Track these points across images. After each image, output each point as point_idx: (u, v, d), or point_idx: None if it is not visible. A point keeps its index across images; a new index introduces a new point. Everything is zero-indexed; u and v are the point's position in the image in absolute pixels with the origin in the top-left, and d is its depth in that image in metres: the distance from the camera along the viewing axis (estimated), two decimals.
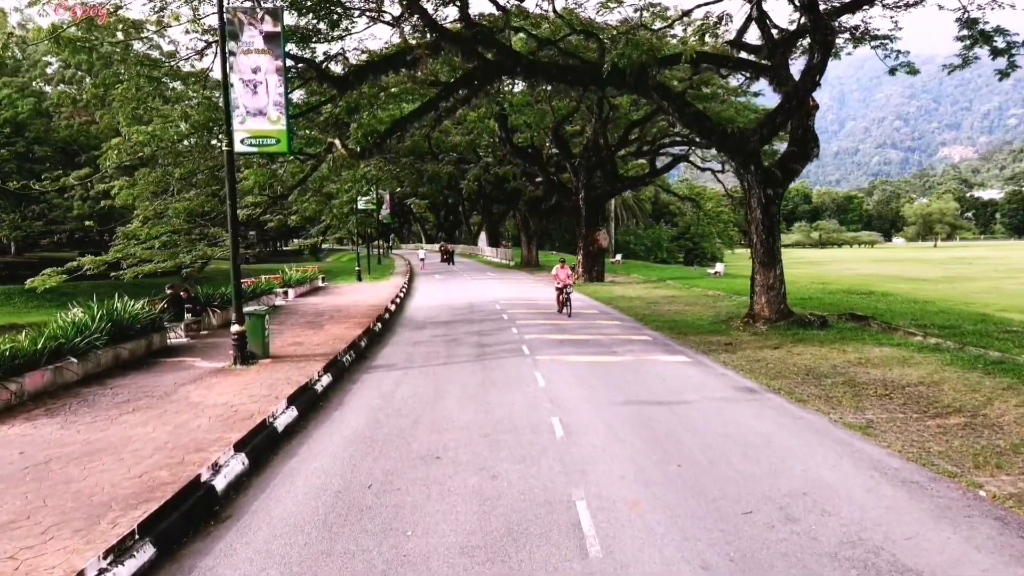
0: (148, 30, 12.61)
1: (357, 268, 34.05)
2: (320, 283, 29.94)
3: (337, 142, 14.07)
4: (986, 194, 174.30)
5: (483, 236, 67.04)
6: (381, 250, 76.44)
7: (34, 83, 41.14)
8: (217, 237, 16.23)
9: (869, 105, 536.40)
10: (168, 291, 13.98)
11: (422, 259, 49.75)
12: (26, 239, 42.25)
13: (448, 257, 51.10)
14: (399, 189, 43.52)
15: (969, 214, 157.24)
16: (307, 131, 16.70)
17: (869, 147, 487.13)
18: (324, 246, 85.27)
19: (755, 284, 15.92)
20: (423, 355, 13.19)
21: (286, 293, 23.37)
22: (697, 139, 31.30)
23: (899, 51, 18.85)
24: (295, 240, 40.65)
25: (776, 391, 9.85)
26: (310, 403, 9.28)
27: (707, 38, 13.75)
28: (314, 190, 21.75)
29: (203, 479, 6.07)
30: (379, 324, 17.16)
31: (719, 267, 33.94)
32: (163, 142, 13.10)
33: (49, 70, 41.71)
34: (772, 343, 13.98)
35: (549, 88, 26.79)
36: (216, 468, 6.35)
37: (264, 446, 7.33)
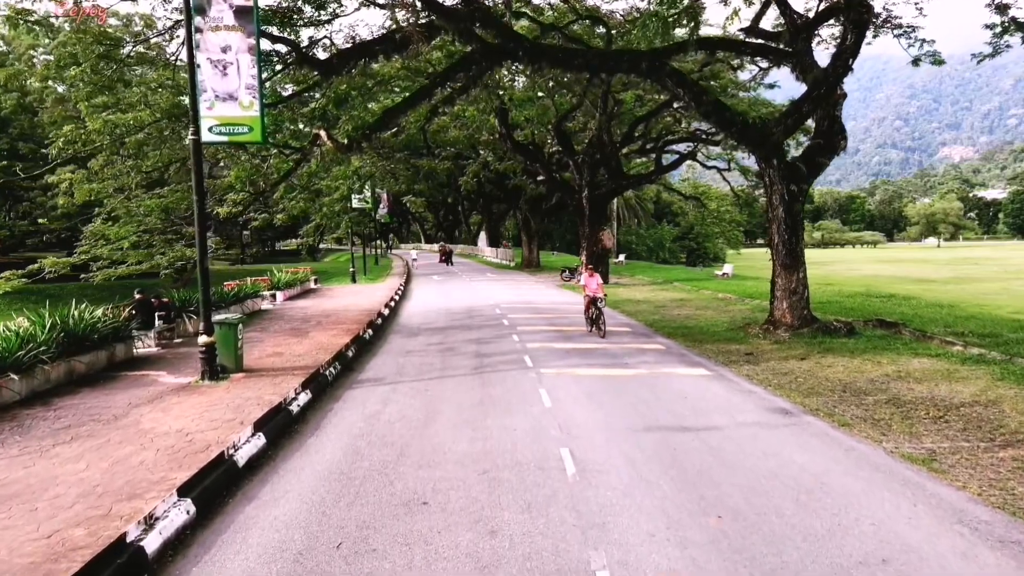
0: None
1: (352, 269, 32.83)
2: (312, 285, 28.72)
3: (323, 133, 12.90)
4: (989, 194, 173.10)
5: (483, 236, 65.84)
6: (380, 250, 75.30)
7: (23, 77, 39.86)
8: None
9: (869, 105, 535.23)
10: (136, 296, 12.79)
11: (414, 259, 50.29)
12: (11, 238, 41.03)
13: (447, 258, 49.81)
14: (396, 187, 42.18)
15: (972, 214, 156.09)
16: (292, 124, 15.49)
17: (869, 147, 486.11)
18: (322, 246, 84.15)
19: (775, 288, 14.72)
20: (415, 367, 11.98)
21: (274, 296, 22.15)
22: (715, 131, 30.16)
23: (923, 40, 17.67)
24: (289, 240, 39.42)
25: (814, 412, 8.65)
26: (282, 428, 8.07)
27: (729, 24, 12.54)
28: (301, 186, 20.52)
29: (129, 539, 4.86)
30: (370, 331, 15.96)
31: (727, 268, 32.72)
32: (120, 129, 11.85)
33: (36, 62, 40.41)
34: (797, 353, 12.78)
35: (552, 81, 25.66)
36: (150, 522, 5.14)
37: (218, 487, 6.12)
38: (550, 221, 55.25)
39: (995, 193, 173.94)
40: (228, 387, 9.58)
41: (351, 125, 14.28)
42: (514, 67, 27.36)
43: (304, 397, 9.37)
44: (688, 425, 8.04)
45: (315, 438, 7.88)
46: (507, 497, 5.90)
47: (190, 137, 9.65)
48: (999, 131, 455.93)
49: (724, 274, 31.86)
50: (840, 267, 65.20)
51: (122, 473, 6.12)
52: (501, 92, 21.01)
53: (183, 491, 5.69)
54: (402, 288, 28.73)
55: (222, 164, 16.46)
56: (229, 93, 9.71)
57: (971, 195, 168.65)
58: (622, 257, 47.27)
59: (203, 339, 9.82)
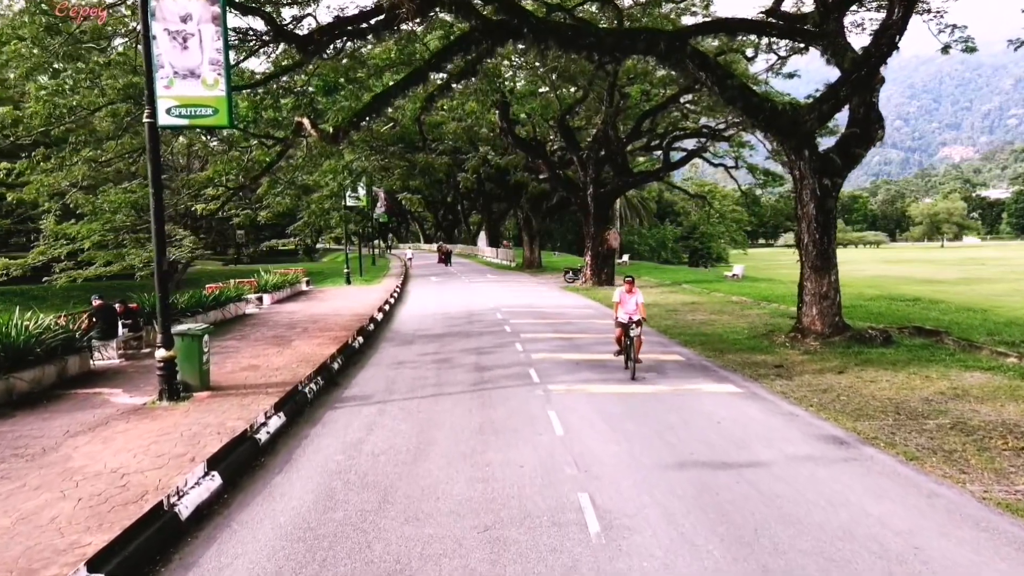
0: None
1: (346, 270, 31.51)
2: (304, 287, 27.40)
3: (306, 122, 11.61)
4: (992, 193, 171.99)
5: (483, 236, 64.55)
6: (378, 250, 73.91)
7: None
8: (172, 236, 13.64)
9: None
10: (95, 302, 11.51)
11: (409, 258, 50.03)
12: None
13: (445, 258, 48.44)
14: (391, 184, 40.80)
15: (975, 214, 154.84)
16: (275, 112, 14.19)
17: None
18: (320, 245, 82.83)
19: (804, 292, 13.44)
20: (408, 382, 10.68)
21: (260, 299, 20.83)
22: (724, 127, 28.91)
23: (954, 25, 16.38)
24: (286, 240, 37.93)
25: (872, 442, 7.35)
26: (244, 463, 6.77)
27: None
28: (286, 181, 19.18)
29: None
30: (360, 338, 14.64)
31: (738, 269, 31.43)
32: (59, 110, 10.51)
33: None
34: (833, 365, 11.50)
35: (555, 73, 24.39)
36: None
37: (147, 552, 4.82)
38: (551, 220, 53.96)
39: (998, 193, 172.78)
40: (188, 409, 8.28)
41: (342, 116, 12.95)
42: (515, 60, 26.17)
43: (276, 422, 8.06)
44: (728, 460, 6.75)
45: (283, 476, 6.58)
46: (515, 567, 4.60)
47: (145, 120, 8.35)
48: (999, 131, 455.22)
49: (734, 275, 30.58)
50: (846, 268, 63.91)
51: (24, 536, 4.81)
52: (501, 80, 19.71)
53: (95, 565, 4.38)
54: (398, 290, 27.42)
55: (200, 156, 15.13)
56: (190, 69, 8.41)
57: (974, 195, 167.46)
58: (626, 257, 46.02)
59: (161, 353, 8.51)
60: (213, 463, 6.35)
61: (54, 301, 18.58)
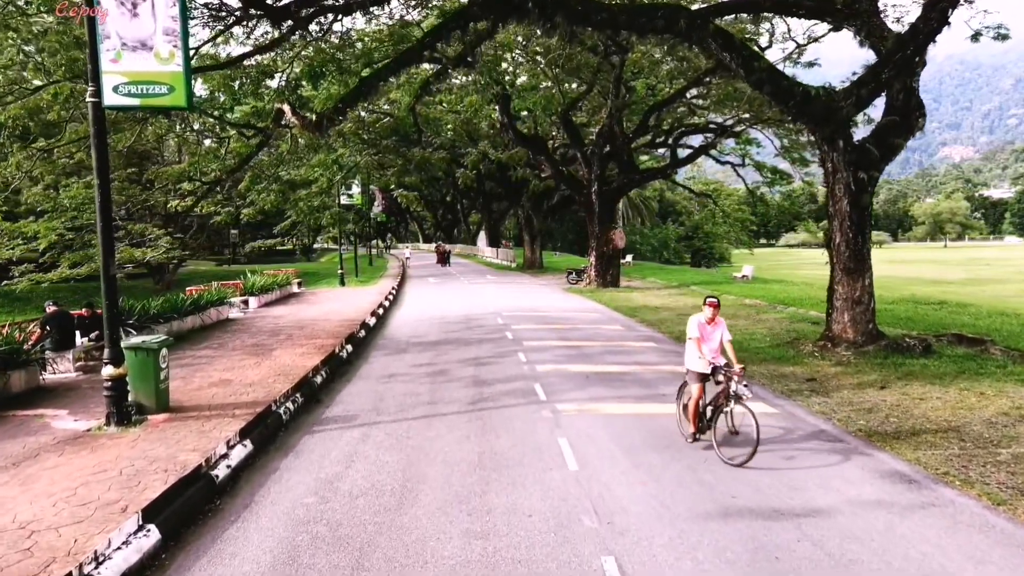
0: None
1: (340, 271, 30.30)
2: (295, 288, 26.18)
3: (287, 108, 10.44)
4: (995, 193, 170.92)
5: (482, 235, 63.37)
6: (377, 250, 72.64)
7: None
8: (144, 234, 12.44)
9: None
10: (48, 309, 10.32)
11: (407, 257, 50.33)
12: None
13: (444, 259, 47.18)
14: (385, 180, 39.49)
15: (977, 214, 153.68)
16: (256, 100, 12.98)
17: None
18: (317, 245, 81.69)
19: (835, 297, 12.25)
20: (398, 399, 9.49)
21: (246, 303, 19.61)
22: (734, 123, 27.77)
23: (985, 10, 15.21)
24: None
25: (945, 479, 6.17)
26: (193, 509, 5.58)
27: None
28: (269, 176, 17.97)
29: None
30: (349, 346, 13.46)
31: (747, 270, 30.23)
32: None
33: None
34: (872, 379, 10.32)
35: (557, 66, 23.22)
36: None
37: None
38: (552, 220, 52.77)
39: (1001, 192, 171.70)
40: (138, 437, 7.08)
41: (328, 102, 11.73)
42: (516, 56, 24.99)
43: (240, 452, 6.87)
44: (781, 506, 5.56)
45: (239, 527, 5.39)
46: None
47: (88, 99, 7.17)
48: (999, 131, 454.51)
49: (744, 276, 29.40)
50: None
51: None
52: (501, 73, 18.53)
53: None
54: (394, 292, 26.23)
55: (170, 146, 13.92)
56: (141, 40, 7.21)
57: (977, 195, 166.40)
58: (629, 258, 44.86)
59: (108, 371, 7.32)
60: (150, 514, 5.15)
61: (19, 306, 17.47)
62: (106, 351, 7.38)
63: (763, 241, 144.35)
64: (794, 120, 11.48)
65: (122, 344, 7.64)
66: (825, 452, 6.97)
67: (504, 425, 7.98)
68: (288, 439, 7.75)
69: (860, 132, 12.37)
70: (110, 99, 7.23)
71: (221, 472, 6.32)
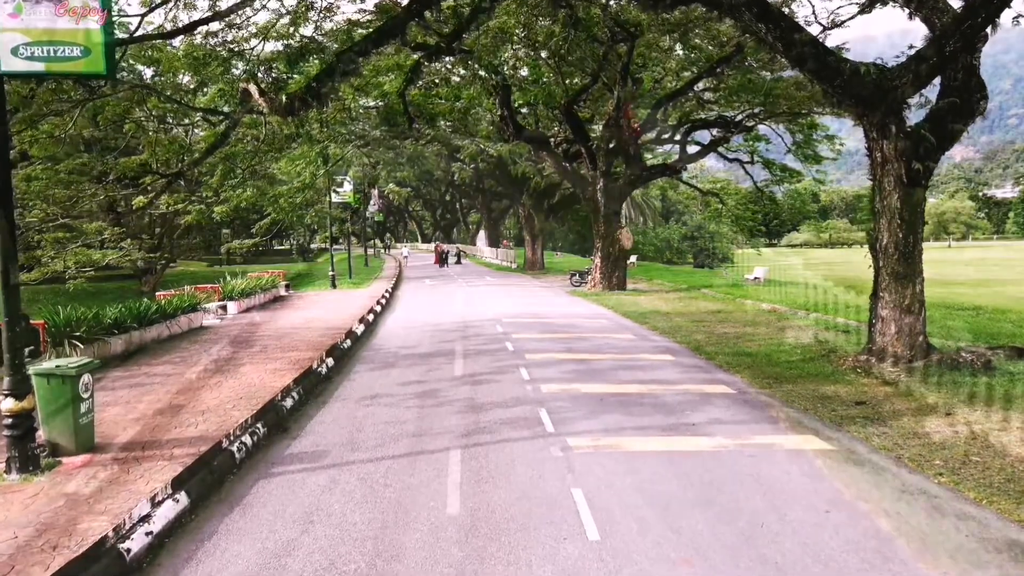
0: None
1: (331, 272, 28.82)
2: (282, 291, 24.70)
3: (252, 88, 9.01)
4: (999, 193, 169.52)
5: (482, 235, 61.98)
6: (375, 250, 71.12)
7: None
8: (101, 232, 10.94)
9: None
10: None
11: (405, 256, 50.17)
12: None
13: (443, 259, 45.61)
14: (375, 174, 37.93)
15: (981, 213, 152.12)
16: (224, 84, 11.53)
17: None
18: (314, 245, 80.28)
19: (880, 305, 10.79)
20: (378, 429, 8.01)
21: (224, 308, 18.11)
22: (743, 119, 26.43)
23: None
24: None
25: None
26: None
27: None
28: (244, 170, 16.49)
29: None
30: (330, 360, 11.95)
31: (759, 272, 28.75)
32: None
33: None
34: (931, 403, 8.85)
35: (561, 56, 21.72)
36: None
37: None
38: (554, 219, 51.32)
39: (1004, 192, 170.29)
40: (39, 491, 5.60)
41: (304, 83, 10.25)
42: (516, 51, 23.50)
43: (169, 511, 5.39)
44: None
45: None
46: None
47: None
48: (999, 131, 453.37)
49: (756, 278, 27.93)
50: (858, 269, 61.34)
51: None
52: (498, 64, 17.10)
53: None
54: (388, 295, 24.74)
55: (128, 133, 12.44)
56: None
57: (981, 194, 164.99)
58: (634, 258, 43.37)
59: (8, 404, 5.84)
60: None
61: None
62: (5, 380, 5.89)
63: (764, 241, 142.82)
64: (839, 103, 10.01)
65: (30, 370, 6.16)
66: (920, 520, 5.49)
67: (504, 469, 6.50)
68: (237, 486, 6.28)
69: (909, 119, 10.88)
70: (8, 63, 5.75)
71: (134, 545, 4.84)
